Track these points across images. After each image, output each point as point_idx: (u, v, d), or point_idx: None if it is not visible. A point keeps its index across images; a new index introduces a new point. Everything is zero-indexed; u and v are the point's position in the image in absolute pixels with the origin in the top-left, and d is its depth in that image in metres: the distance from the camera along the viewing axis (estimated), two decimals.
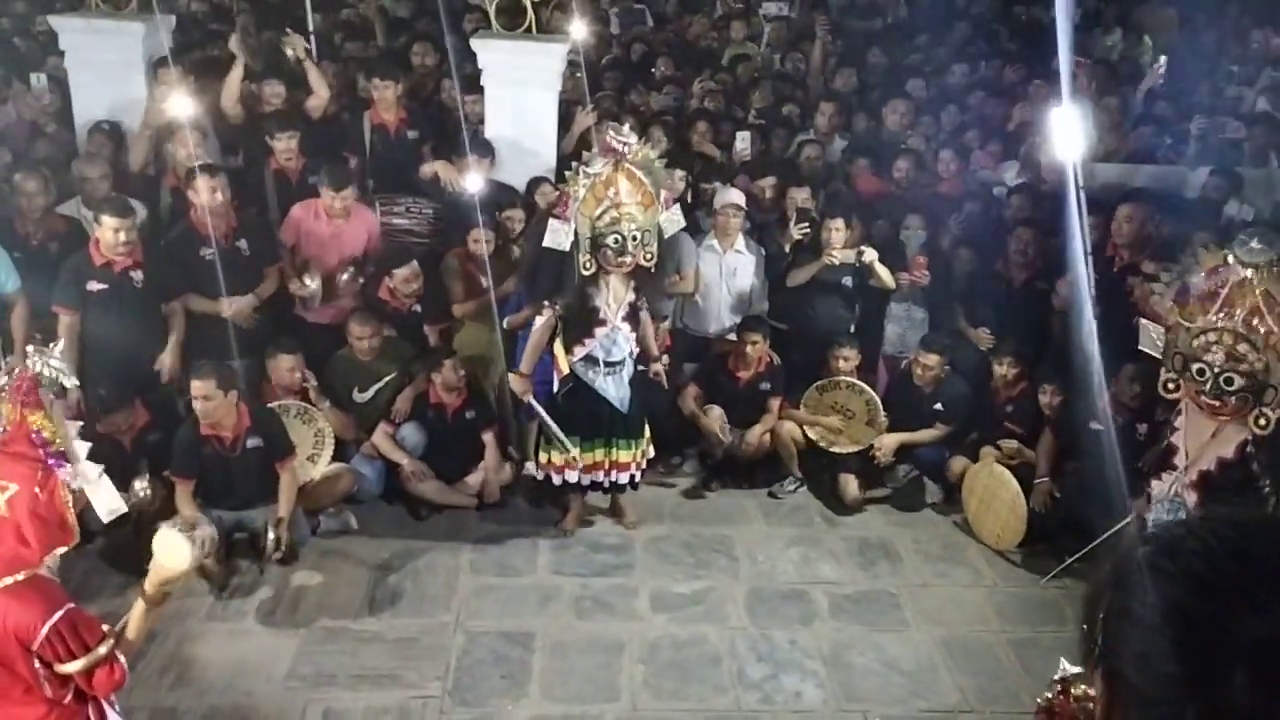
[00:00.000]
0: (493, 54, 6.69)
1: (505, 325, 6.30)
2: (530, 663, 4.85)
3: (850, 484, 6.28)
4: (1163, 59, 8.53)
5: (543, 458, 5.68)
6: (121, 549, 5.42)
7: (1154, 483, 4.39)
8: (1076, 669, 2.68)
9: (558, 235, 5.13)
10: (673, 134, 7.46)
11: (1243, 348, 3.85)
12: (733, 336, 6.46)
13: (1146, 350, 4.33)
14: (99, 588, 5.20)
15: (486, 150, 6.65)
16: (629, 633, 5.09)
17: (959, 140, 7.83)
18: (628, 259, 5.14)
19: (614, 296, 5.29)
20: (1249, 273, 3.85)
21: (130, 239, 5.51)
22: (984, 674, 4.93)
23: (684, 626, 5.17)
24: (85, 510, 3.00)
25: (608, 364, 5.40)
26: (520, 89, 6.75)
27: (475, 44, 6.78)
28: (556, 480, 5.68)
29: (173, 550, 2.89)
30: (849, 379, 6.36)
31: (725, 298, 6.57)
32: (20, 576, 2.72)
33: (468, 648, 4.94)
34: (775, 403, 6.39)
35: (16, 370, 2.76)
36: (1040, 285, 6.39)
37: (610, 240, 5.09)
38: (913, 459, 6.46)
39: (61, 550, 2.79)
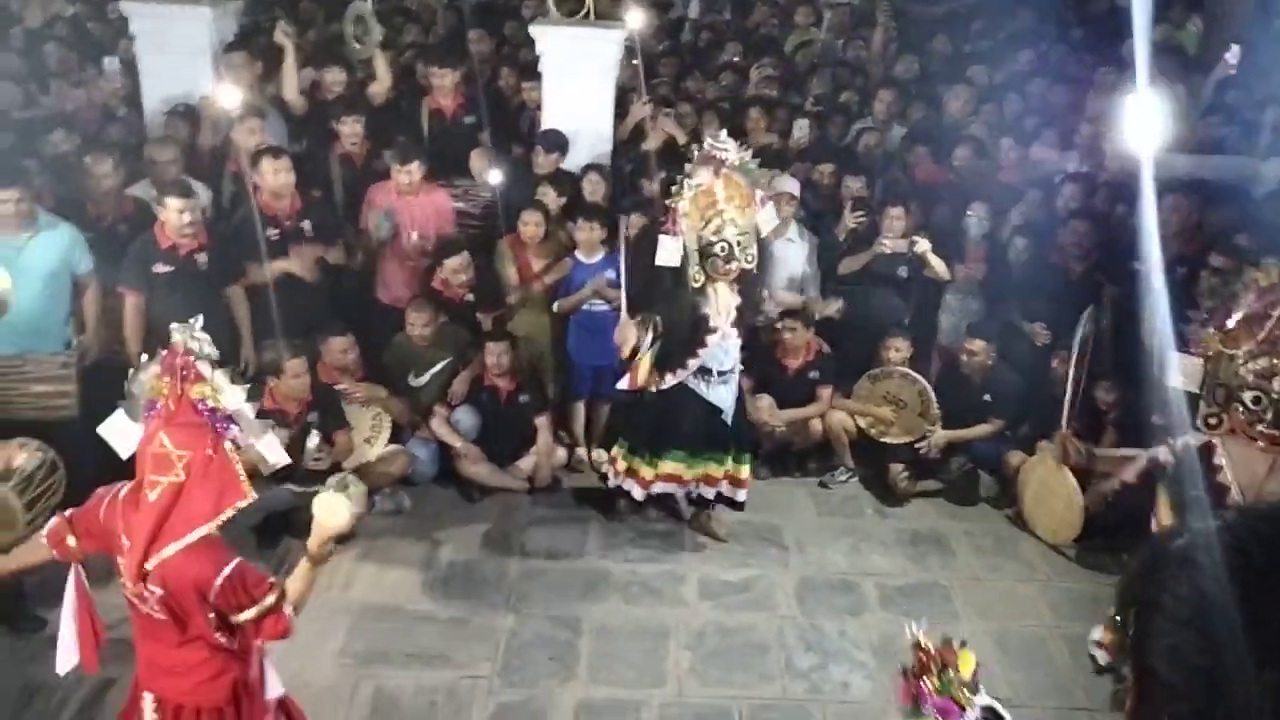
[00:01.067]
0: (550, 40, 6.72)
1: (555, 309, 6.34)
2: (578, 646, 4.89)
3: (901, 475, 6.23)
4: (1235, 48, 8.29)
5: (622, 464, 5.63)
6: None
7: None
8: (925, 634, 2.72)
9: (669, 252, 5.07)
10: (727, 121, 7.42)
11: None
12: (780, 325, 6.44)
13: (1179, 387, 3.93)
14: None
15: (556, 143, 6.67)
16: (676, 619, 5.11)
17: (1022, 128, 7.70)
18: (735, 265, 5.10)
19: (722, 304, 5.24)
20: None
21: (195, 220, 5.62)
22: (1036, 669, 4.88)
23: (731, 614, 5.18)
24: None
25: (720, 373, 5.34)
26: (577, 75, 6.76)
27: (533, 30, 6.82)
28: (635, 491, 5.59)
29: (333, 510, 3.13)
30: (902, 369, 6.31)
31: (775, 286, 6.54)
32: (198, 534, 2.90)
33: (517, 630, 5.00)
34: (826, 391, 6.35)
35: (164, 352, 2.96)
36: (1097, 277, 6.28)
37: (718, 249, 5.05)
38: (968, 452, 6.39)
39: (235, 507, 2.95)
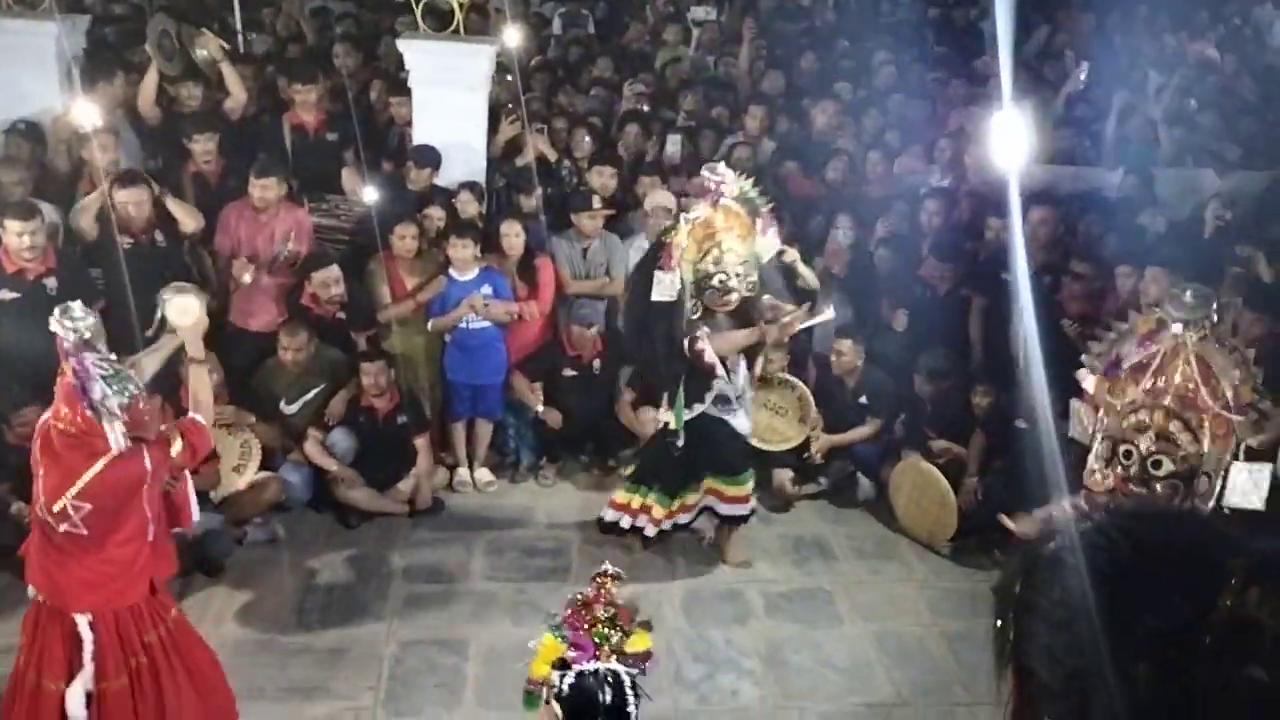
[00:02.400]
0: (419, 55, 6.63)
1: (430, 328, 6.24)
2: (465, 670, 4.79)
3: (784, 480, 6.31)
4: (1084, 64, 8.73)
5: (637, 503, 5.57)
6: None
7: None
8: (611, 569, 2.83)
9: (666, 287, 5.00)
10: (600, 136, 7.45)
11: (1174, 426, 3.28)
12: None
13: (1076, 438, 3.71)
14: (16, 601, 5.03)
15: (429, 158, 6.58)
16: None
17: (885, 142, 7.92)
18: (733, 297, 5.06)
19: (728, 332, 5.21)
20: (1179, 331, 3.30)
21: (36, 243, 5.35)
22: (917, 668, 4.99)
23: None
24: None
25: (737, 398, 5.32)
26: (447, 90, 6.69)
27: (401, 45, 6.73)
28: (649, 530, 5.56)
29: (184, 309, 3.73)
30: (781, 375, 6.40)
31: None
32: (103, 463, 3.51)
33: (400, 656, 4.87)
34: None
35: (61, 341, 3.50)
36: (962, 292, 6.51)
37: (716, 280, 5.00)
38: (846, 455, 6.51)
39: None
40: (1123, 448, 3.36)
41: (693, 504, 5.56)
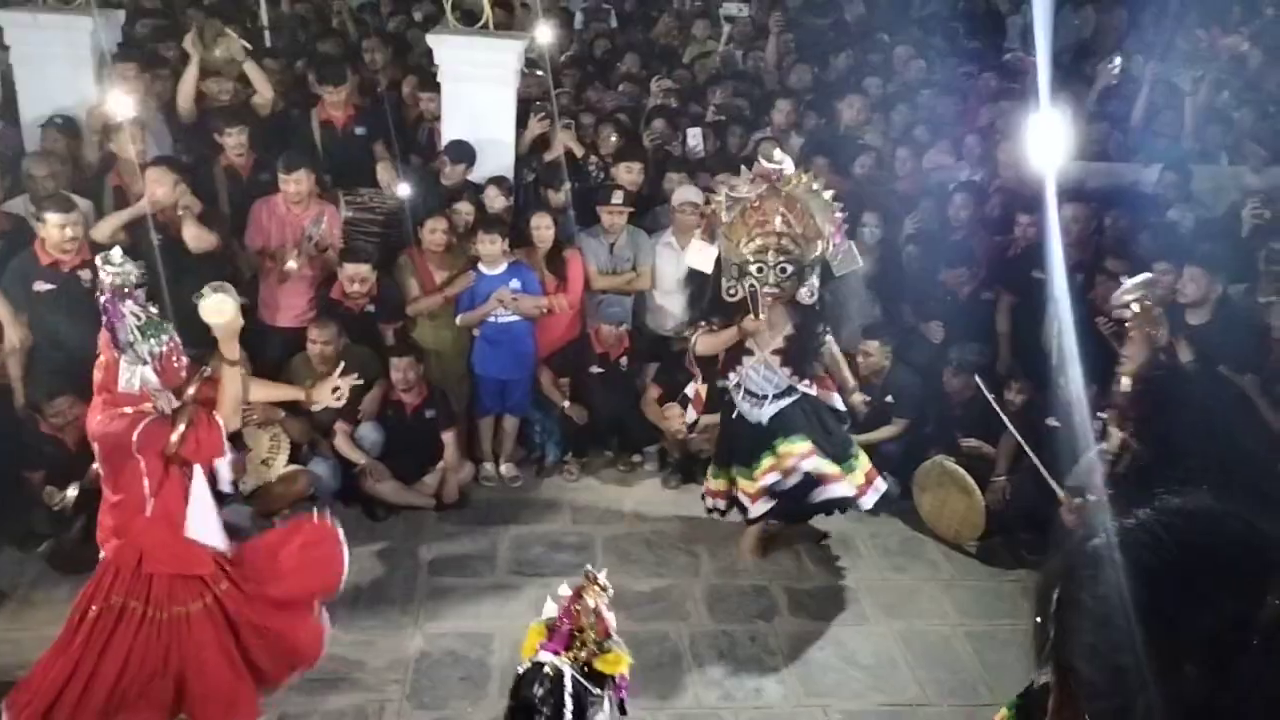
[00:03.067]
0: (448, 50, 6.64)
1: (459, 322, 6.26)
2: (489, 664, 4.82)
3: None
4: (1117, 59, 8.64)
5: (711, 485, 5.60)
6: (69, 555, 5.34)
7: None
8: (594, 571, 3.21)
9: (700, 256, 5.09)
10: (627, 131, 7.45)
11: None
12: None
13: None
14: (48, 591, 5.11)
15: (463, 154, 6.60)
16: None
17: (914, 138, 7.87)
18: (771, 290, 4.98)
19: (767, 328, 5.12)
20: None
21: (76, 236, 5.41)
22: (942, 667, 4.97)
23: (644, 624, 5.16)
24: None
25: (762, 396, 5.22)
26: (476, 86, 6.71)
27: (430, 40, 6.74)
28: (752, 508, 5.38)
29: (219, 309, 3.73)
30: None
31: (684, 296, 6.56)
32: (100, 414, 3.73)
33: (426, 649, 4.90)
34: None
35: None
36: (984, 295, 6.47)
37: (754, 269, 4.95)
38: (872, 455, 6.47)
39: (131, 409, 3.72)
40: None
41: (777, 466, 5.25)
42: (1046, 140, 5.87)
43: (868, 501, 5.43)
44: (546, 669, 2.91)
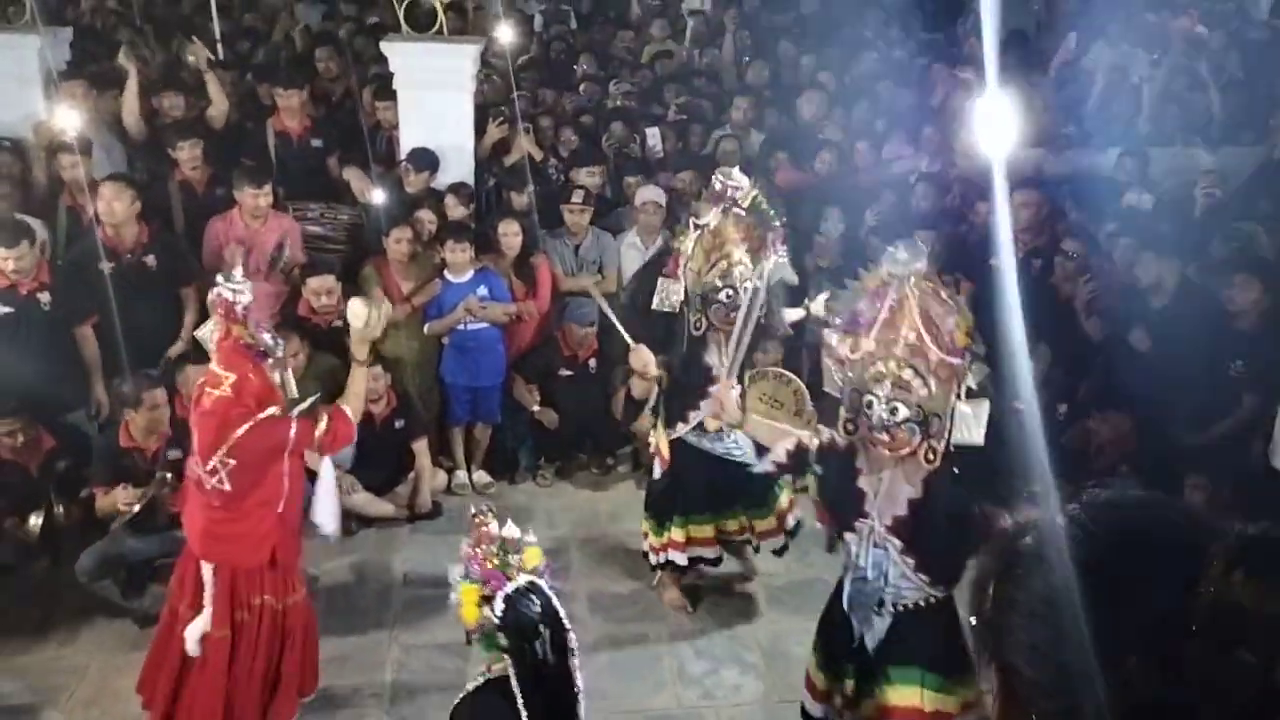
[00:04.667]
0: (403, 57, 6.61)
1: (427, 331, 6.23)
2: (468, 674, 4.76)
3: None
4: (1073, 35, 8.74)
5: (654, 539, 5.21)
6: (37, 583, 5.28)
7: (847, 535, 3.82)
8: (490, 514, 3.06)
9: (666, 294, 4.74)
10: (588, 134, 7.44)
11: (907, 374, 3.47)
12: None
13: (831, 392, 3.82)
14: (17, 621, 5.04)
15: (425, 161, 6.56)
16: None
17: (873, 130, 7.91)
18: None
19: (728, 355, 4.76)
20: (906, 288, 3.50)
21: (22, 267, 5.34)
22: None
23: (622, 626, 5.16)
24: None
25: (730, 425, 4.80)
26: (433, 92, 6.67)
27: (385, 47, 6.70)
28: (657, 559, 5.18)
29: (355, 313, 4.15)
30: (776, 369, 6.38)
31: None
32: (251, 423, 3.83)
33: (404, 661, 4.87)
34: None
35: (213, 296, 3.88)
36: (947, 278, 6.48)
37: (722, 296, 4.65)
38: None
39: (270, 410, 3.89)
40: (865, 398, 3.54)
41: (707, 539, 5.14)
42: (997, 127, 5.92)
43: (771, 544, 5.29)
44: (522, 589, 2.94)
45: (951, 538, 3.48)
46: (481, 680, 3.05)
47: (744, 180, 4.77)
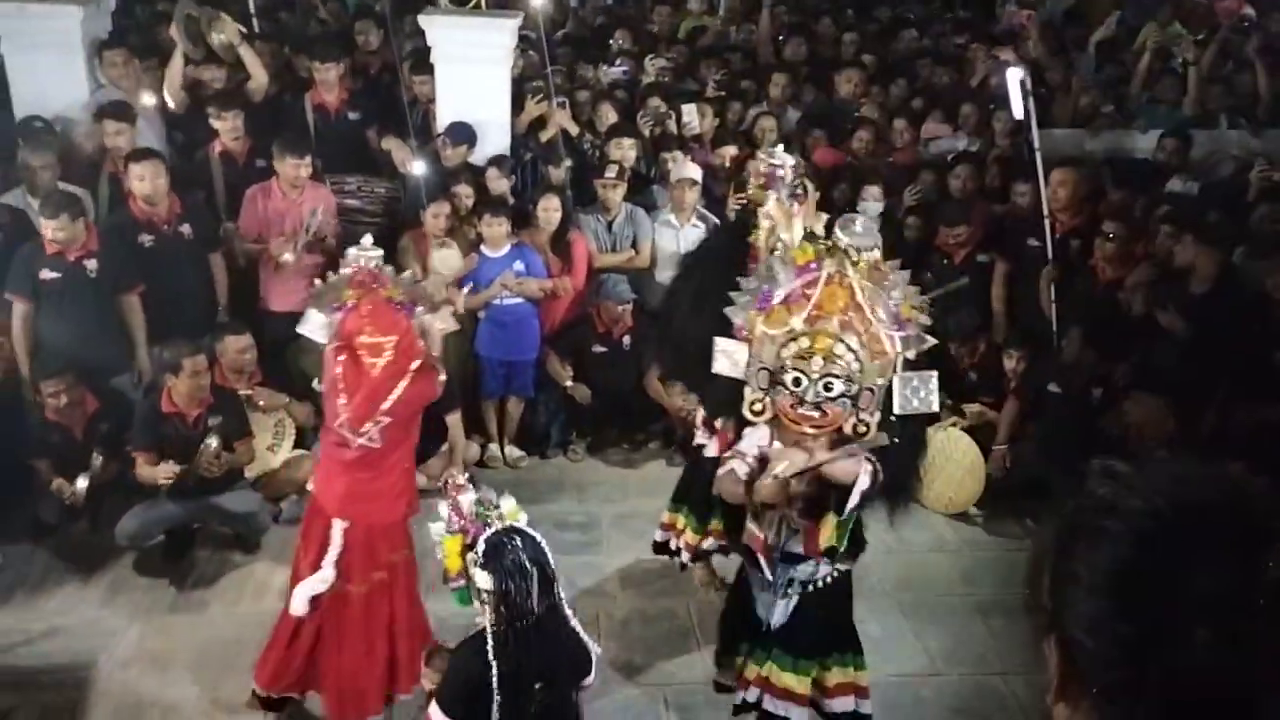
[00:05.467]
0: (441, 30, 6.60)
1: (462, 306, 6.24)
2: None
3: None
4: (1116, 13, 8.63)
5: (666, 517, 4.97)
6: (78, 545, 5.36)
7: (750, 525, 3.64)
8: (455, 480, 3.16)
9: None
10: (625, 109, 7.41)
11: (840, 349, 3.33)
12: None
13: (725, 374, 3.54)
14: (58, 582, 5.13)
15: (463, 135, 6.57)
16: (598, 610, 5.09)
17: (910, 109, 7.84)
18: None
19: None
20: (845, 267, 3.34)
21: (66, 236, 5.41)
22: (950, 637, 5.00)
23: (652, 601, 5.18)
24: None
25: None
26: (471, 66, 6.66)
27: (423, 21, 6.69)
28: (688, 555, 4.81)
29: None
30: None
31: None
32: (408, 379, 3.89)
33: (436, 630, 4.90)
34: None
35: (351, 270, 3.94)
36: (980, 259, 6.45)
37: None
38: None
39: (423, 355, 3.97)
40: (790, 375, 3.40)
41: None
42: (1031, 103, 5.86)
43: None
44: (502, 532, 3.01)
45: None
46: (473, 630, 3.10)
47: (789, 158, 4.41)
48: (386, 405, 3.86)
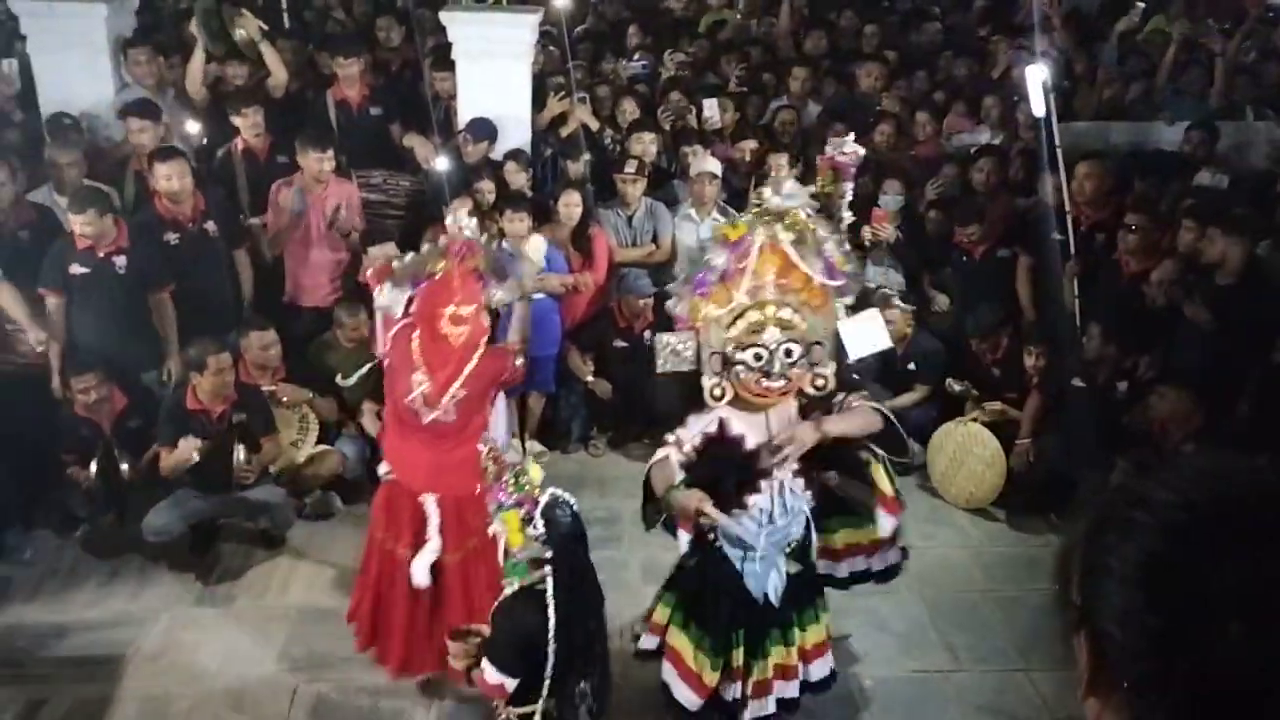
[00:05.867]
0: (462, 26, 6.63)
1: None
2: None
3: None
4: (1139, 6, 8.56)
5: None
6: (106, 539, 5.42)
7: (752, 499, 3.59)
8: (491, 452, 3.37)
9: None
10: (645, 104, 7.41)
11: (786, 313, 3.36)
12: None
13: (671, 369, 3.51)
14: (86, 575, 5.19)
15: (484, 131, 6.59)
16: (620, 605, 5.05)
17: (932, 102, 7.80)
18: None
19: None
20: (776, 231, 3.34)
21: (93, 231, 5.45)
22: (972, 633, 4.98)
23: None
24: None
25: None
26: (491, 61, 6.68)
27: (444, 16, 6.72)
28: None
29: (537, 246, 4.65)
30: None
31: None
32: (481, 351, 4.05)
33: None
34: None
35: (446, 240, 4.02)
36: (1002, 254, 6.42)
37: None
38: (901, 423, 6.46)
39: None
40: (750, 352, 3.41)
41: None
42: (1053, 96, 5.81)
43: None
44: (548, 505, 3.24)
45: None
46: (515, 587, 3.32)
47: (859, 148, 4.16)
48: (463, 376, 3.97)
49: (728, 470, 3.61)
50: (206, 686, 4.50)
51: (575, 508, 3.32)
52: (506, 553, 3.29)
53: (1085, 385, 5.75)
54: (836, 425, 3.52)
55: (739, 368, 3.44)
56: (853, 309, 3.61)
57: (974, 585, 5.36)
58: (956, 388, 6.19)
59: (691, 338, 3.51)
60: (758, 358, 3.42)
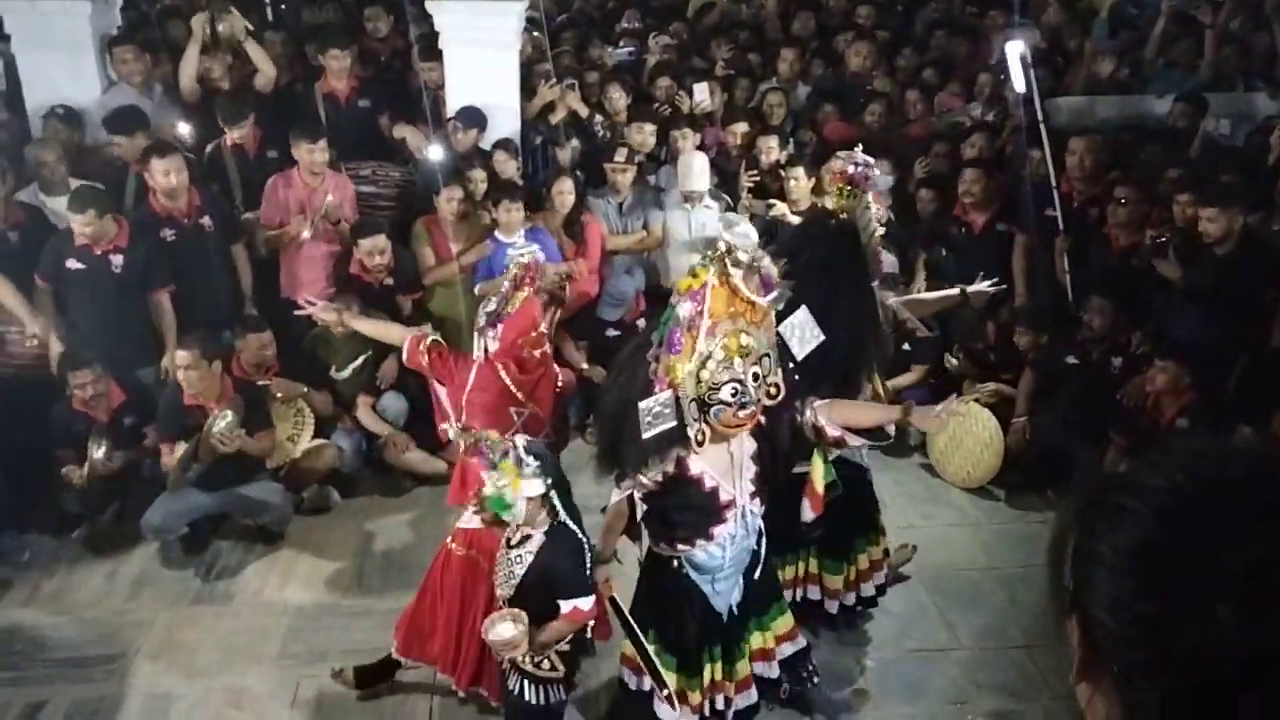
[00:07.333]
0: (448, 15, 6.59)
1: (477, 291, 6.25)
2: None
3: None
4: None
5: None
6: (103, 537, 5.42)
7: (718, 529, 3.64)
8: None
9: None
10: (635, 91, 7.38)
11: (744, 340, 3.42)
12: None
13: (657, 433, 3.43)
14: (85, 575, 5.19)
15: (474, 119, 6.56)
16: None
17: (923, 80, 7.77)
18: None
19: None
20: (727, 268, 3.36)
21: (92, 231, 5.44)
22: (972, 611, 4.99)
23: None
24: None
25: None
26: (479, 50, 6.66)
27: (430, 6, 6.68)
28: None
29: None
30: None
31: (694, 252, 6.52)
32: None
33: None
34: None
35: (516, 271, 4.14)
36: (1000, 228, 6.40)
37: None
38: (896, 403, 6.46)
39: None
40: (727, 389, 3.41)
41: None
42: (1040, 71, 5.78)
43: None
44: (524, 445, 3.61)
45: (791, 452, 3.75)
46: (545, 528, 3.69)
47: (870, 159, 4.17)
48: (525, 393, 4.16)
49: (690, 507, 3.65)
50: (207, 684, 4.49)
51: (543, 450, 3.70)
52: (504, 505, 3.51)
53: (1079, 362, 5.74)
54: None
55: (716, 407, 3.45)
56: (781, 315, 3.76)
57: (974, 563, 5.36)
58: (954, 361, 6.19)
59: (669, 396, 3.47)
60: (734, 392, 3.43)
